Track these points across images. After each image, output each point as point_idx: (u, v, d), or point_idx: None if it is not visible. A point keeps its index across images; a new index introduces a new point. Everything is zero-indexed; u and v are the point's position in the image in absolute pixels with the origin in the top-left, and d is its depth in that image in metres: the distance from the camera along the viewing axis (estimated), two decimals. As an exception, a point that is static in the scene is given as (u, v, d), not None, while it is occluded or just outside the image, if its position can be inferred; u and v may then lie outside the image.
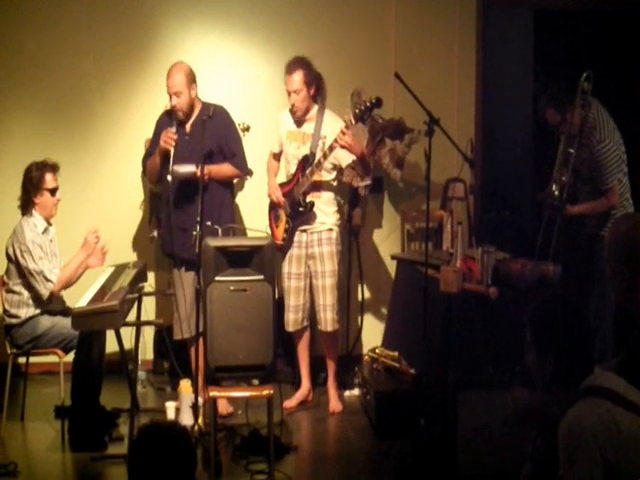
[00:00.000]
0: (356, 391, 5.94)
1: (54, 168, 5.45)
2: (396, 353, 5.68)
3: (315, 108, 5.68)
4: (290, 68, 5.58)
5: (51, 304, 5.39)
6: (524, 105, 7.75)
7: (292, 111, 5.66)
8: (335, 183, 5.77)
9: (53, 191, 5.43)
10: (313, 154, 5.61)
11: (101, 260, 5.48)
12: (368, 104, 5.36)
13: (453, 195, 6.40)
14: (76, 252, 5.42)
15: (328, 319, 5.73)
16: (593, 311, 5.16)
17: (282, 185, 5.80)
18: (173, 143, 5.30)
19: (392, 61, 6.46)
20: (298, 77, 5.54)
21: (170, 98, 5.44)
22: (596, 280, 5.33)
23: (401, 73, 5.22)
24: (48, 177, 5.40)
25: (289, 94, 5.61)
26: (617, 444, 2.37)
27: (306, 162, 5.63)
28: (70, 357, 5.28)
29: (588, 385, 2.49)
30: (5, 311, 5.41)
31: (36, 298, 5.35)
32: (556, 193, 5.46)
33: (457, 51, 6.67)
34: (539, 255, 5.35)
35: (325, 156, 5.51)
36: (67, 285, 5.40)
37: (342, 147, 5.44)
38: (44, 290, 5.30)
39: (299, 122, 5.69)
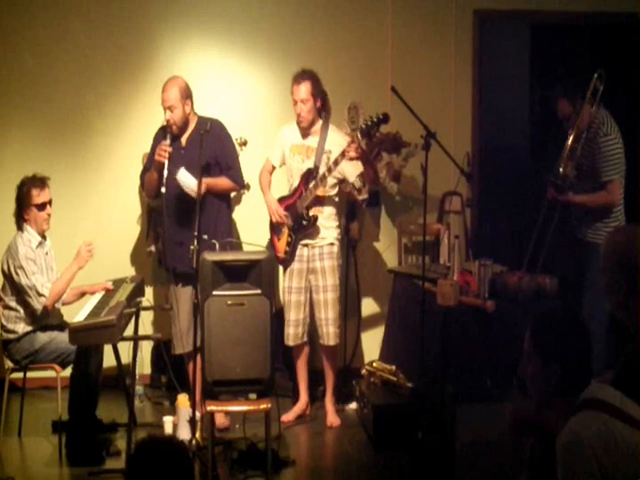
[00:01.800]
0: (354, 405, 5.93)
1: (42, 182, 5.37)
2: (393, 367, 5.67)
3: (320, 122, 5.68)
4: (298, 78, 5.59)
5: (47, 319, 5.37)
6: (521, 118, 7.79)
7: (298, 121, 5.65)
8: (337, 199, 5.76)
9: (41, 206, 5.36)
10: (317, 168, 5.61)
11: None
12: (375, 120, 5.35)
13: (450, 208, 6.41)
14: (68, 265, 5.39)
15: (330, 333, 5.72)
16: (586, 318, 5.16)
17: (285, 198, 5.78)
18: (167, 155, 5.30)
19: (389, 75, 6.48)
20: (305, 87, 5.55)
21: (164, 112, 5.46)
22: (589, 287, 5.31)
23: (397, 87, 5.24)
24: (34, 192, 5.33)
25: (295, 103, 5.60)
26: (615, 456, 2.38)
27: (309, 176, 5.63)
28: (67, 372, 5.28)
29: (585, 398, 2.50)
30: (2, 327, 5.39)
31: (32, 314, 5.32)
32: (561, 170, 5.37)
33: (453, 65, 6.69)
34: (530, 259, 5.33)
35: (330, 170, 5.51)
36: (59, 298, 5.38)
37: (353, 158, 5.43)
38: (37, 304, 5.28)
39: (303, 135, 5.68)
